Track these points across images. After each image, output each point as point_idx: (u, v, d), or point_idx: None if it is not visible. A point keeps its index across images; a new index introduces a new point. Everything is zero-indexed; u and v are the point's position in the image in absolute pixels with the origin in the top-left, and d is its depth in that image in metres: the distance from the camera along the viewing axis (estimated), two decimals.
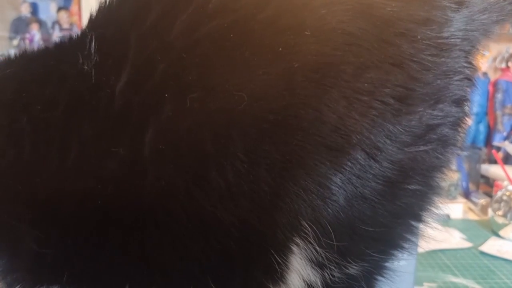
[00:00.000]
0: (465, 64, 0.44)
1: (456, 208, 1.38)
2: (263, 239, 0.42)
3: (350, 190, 0.41)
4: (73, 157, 0.44)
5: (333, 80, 0.40)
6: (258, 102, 0.40)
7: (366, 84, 0.40)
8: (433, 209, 0.50)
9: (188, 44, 0.42)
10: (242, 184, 0.40)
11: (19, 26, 1.84)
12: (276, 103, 0.40)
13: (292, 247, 0.43)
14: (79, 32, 0.50)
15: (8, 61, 0.52)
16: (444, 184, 1.37)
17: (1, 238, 0.48)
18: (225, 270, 0.44)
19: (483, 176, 1.79)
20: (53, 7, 1.90)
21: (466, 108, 0.47)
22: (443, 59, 0.43)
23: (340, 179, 0.41)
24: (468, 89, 0.46)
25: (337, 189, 0.41)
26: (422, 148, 0.43)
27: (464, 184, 1.61)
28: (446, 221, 1.30)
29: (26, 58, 0.52)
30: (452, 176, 1.51)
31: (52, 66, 0.48)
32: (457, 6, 0.43)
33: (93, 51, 0.44)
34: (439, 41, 0.42)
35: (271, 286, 0.45)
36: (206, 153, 0.41)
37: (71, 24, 1.79)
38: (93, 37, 0.45)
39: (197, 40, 0.41)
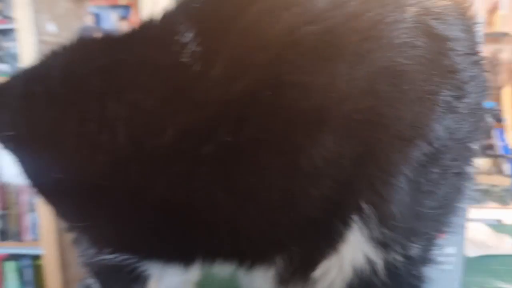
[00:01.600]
0: None
1: (508, 214, 1.36)
2: (332, 211, 0.51)
3: (414, 177, 0.49)
4: (168, 143, 0.50)
5: (410, 84, 0.48)
6: (345, 102, 0.48)
7: (433, 87, 0.49)
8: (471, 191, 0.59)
9: (286, 43, 0.48)
10: (329, 169, 0.49)
11: (84, 35, 1.98)
12: (362, 103, 0.48)
13: (351, 223, 0.50)
14: (162, 21, 0.55)
15: (86, 43, 0.58)
16: (496, 189, 1.37)
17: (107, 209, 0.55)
18: (301, 237, 0.52)
19: None
20: (114, 16, 2.04)
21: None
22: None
23: (406, 167, 0.49)
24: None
25: (403, 176, 0.49)
26: (461, 135, 0.52)
27: None
28: (497, 226, 1.28)
29: (106, 44, 0.58)
30: (505, 181, 1.48)
31: (144, 55, 0.53)
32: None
33: (191, 42, 0.50)
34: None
35: (326, 252, 0.53)
36: (298, 144, 0.49)
37: None
38: (191, 28, 0.51)
39: (294, 40, 0.48)
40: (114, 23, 2.01)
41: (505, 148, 1.64)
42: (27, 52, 1.91)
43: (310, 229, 0.52)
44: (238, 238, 0.54)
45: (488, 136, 1.72)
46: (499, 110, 1.85)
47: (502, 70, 2.11)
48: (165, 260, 0.59)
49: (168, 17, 0.55)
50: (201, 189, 0.51)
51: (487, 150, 1.73)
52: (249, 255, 0.56)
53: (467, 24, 0.53)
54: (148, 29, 0.56)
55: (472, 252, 1.07)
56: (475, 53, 0.53)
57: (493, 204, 1.41)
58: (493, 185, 1.43)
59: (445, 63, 0.49)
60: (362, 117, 0.48)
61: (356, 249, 0.52)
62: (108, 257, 0.56)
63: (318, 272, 0.54)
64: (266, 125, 0.49)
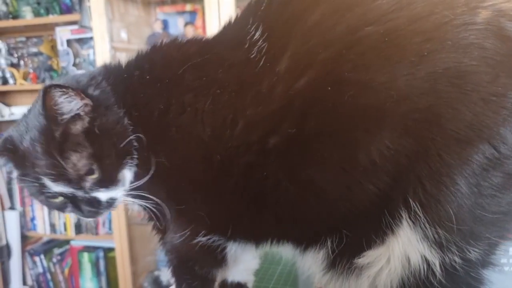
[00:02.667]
0: None
1: None
2: (384, 205, 0.52)
3: (473, 180, 0.49)
4: (239, 135, 0.56)
5: (473, 85, 0.48)
6: (405, 101, 0.49)
7: (499, 88, 0.48)
8: None
9: (347, 42, 0.51)
10: (385, 165, 0.51)
11: (153, 41, 2.10)
12: (421, 103, 0.49)
13: (400, 219, 0.52)
14: (236, 22, 0.62)
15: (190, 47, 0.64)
16: None
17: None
18: (353, 225, 0.55)
19: None
20: (180, 22, 2.13)
21: None
22: None
23: (464, 169, 0.49)
24: None
25: (461, 177, 0.49)
26: None
27: None
28: None
29: (197, 46, 0.64)
30: None
31: (222, 54, 0.59)
32: None
33: (259, 40, 0.56)
34: None
35: (374, 242, 0.55)
36: (358, 139, 0.51)
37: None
38: (259, 27, 0.56)
39: (356, 40, 0.51)
40: (181, 28, 2.11)
41: None
42: (102, 58, 2.05)
43: (361, 218, 0.54)
44: (297, 222, 0.58)
45: None
46: None
47: None
48: (244, 240, 0.64)
49: (241, 19, 0.60)
50: (269, 178, 0.55)
51: None
52: (304, 238, 0.60)
53: None
54: (226, 30, 0.62)
55: None
56: None
57: None
58: None
59: None
60: (420, 116, 0.49)
61: (407, 246, 0.52)
62: (202, 239, 0.62)
63: (364, 260, 0.56)
64: (327, 120, 0.52)
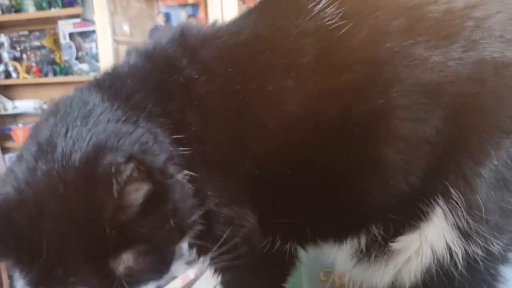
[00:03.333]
0: None
1: None
2: (422, 189, 0.51)
3: (503, 171, 0.49)
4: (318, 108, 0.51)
5: None
6: (454, 84, 0.49)
7: None
8: None
9: (414, 16, 0.50)
10: (433, 146, 0.50)
11: (156, 34, 2.10)
12: (468, 88, 0.49)
13: (435, 205, 0.51)
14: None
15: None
16: None
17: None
18: (391, 209, 0.53)
19: None
20: (183, 14, 2.12)
21: None
22: None
23: (497, 159, 0.49)
24: None
25: (493, 168, 0.49)
26: None
27: None
28: None
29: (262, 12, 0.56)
30: None
31: (282, 23, 0.54)
32: None
33: (329, 6, 0.52)
34: None
35: (409, 227, 0.54)
36: (418, 115, 0.50)
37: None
38: None
39: (421, 14, 0.50)
40: (184, 20, 2.10)
41: None
42: (105, 52, 2.05)
43: (399, 202, 0.53)
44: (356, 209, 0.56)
45: None
46: None
47: None
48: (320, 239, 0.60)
49: None
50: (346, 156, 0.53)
51: None
52: (351, 224, 0.57)
53: None
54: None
55: None
56: None
57: None
58: None
59: None
60: (466, 101, 0.49)
61: (439, 233, 0.52)
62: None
63: (398, 245, 0.55)
64: (401, 92, 0.50)
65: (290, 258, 0.59)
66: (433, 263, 0.53)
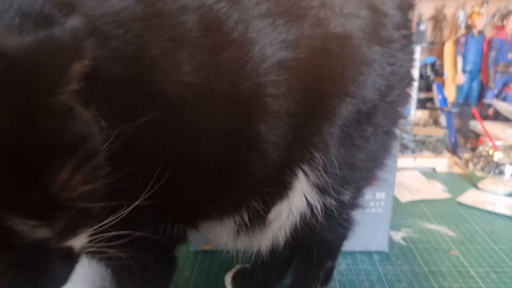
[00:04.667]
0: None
1: (441, 162, 1.48)
2: (286, 161, 0.56)
3: (349, 131, 0.57)
4: None
5: (355, 48, 0.55)
6: (306, 58, 0.54)
7: (373, 54, 0.56)
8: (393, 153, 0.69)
9: None
10: (288, 118, 0.54)
11: None
12: (318, 60, 0.54)
13: (299, 171, 0.57)
14: None
15: None
16: (431, 140, 1.49)
17: None
18: (260, 189, 0.58)
19: (473, 132, 1.87)
20: None
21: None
22: None
23: (344, 118, 0.56)
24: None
25: (341, 127, 0.56)
26: (391, 99, 0.60)
27: (452, 139, 1.70)
28: (430, 174, 1.40)
29: None
30: (439, 132, 1.60)
31: None
32: None
33: None
34: None
35: (279, 198, 0.59)
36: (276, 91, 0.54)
37: None
38: None
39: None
40: None
41: (443, 101, 1.76)
42: None
43: (272, 175, 0.57)
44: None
45: (429, 89, 1.82)
46: (440, 65, 1.95)
47: (445, 25, 2.19)
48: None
49: None
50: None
51: (427, 103, 1.84)
52: (235, 200, 0.60)
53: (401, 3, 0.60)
54: None
55: (404, 197, 1.17)
56: (406, 28, 0.61)
57: (428, 154, 1.53)
58: (429, 136, 1.55)
59: (383, 34, 0.57)
60: (317, 72, 0.54)
61: (300, 194, 0.59)
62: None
63: (272, 215, 0.61)
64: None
65: (178, 241, 0.60)
66: (298, 219, 0.61)
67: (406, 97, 0.64)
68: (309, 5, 0.54)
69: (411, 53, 0.62)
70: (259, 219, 0.61)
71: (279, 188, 0.59)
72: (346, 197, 0.61)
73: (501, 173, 1.23)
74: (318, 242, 0.64)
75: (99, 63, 0.46)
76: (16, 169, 0.32)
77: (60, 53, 0.33)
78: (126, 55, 0.48)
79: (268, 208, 0.60)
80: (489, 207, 1.12)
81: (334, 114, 0.56)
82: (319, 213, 0.60)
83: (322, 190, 0.58)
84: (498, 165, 1.24)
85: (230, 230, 0.63)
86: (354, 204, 0.66)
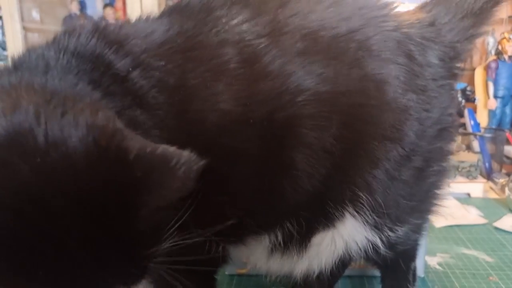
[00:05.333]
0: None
1: (476, 188, 1.45)
2: (327, 194, 0.58)
3: (393, 173, 0.59)
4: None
5: (393, 94, 0.57)
6: (344, 94, 0.56)
7: (408, 101, 0.58)
8: (447, 184, 0.69)
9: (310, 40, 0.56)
10: (329, 153, 0.56)
11: (70, 23, 2.00)
12: (355, 99, 0.56)
13: (344, 210, 0.59)
14: None
15: None
16: (465, 165, 1.46)
17: None
18: (303, 207, 0.60)
19: (507, 158, 1.83)
20: (99, 3, 2.05)
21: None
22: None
23: (386, 163, 0.58)
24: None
25: (386, 171, 0.58)
26: (438, 144, 0.62)
27: (486, 164, 1.67)
28: (465, 199, 1.38)
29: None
30: (472, 157, 1.58)
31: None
32: None
33: None
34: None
35: (326, 224, 0.61)
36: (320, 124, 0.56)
37: (117, 20, 1.93)
38: None
39: (316, 39, 0.56)
40: (100, 10, 2.03)
41: (475, 126, 1.74)
42: (13, 39, 1.93)
43: (308, 201, 0.59)
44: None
45: (460, 115, 1.81)
46: (472, 91, 1.94)
47: (475, 51, 2.19)
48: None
49: None
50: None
51: (459, 129, 1.82)
52: (270, 221, 0.62)
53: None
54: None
55: (439, 223, 1.16)
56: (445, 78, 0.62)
57: (462, 179, 1.51)
58: (462, 161, 1.53)
59: (418, 82, 0.58)
60: (356, 111, 0.56)
61: (352, 229, 0.61)
62: None
63: (314, 240, 0.63)
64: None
65: (222, 261, 0.64)
66: (345, 252, 0.63)
67: (450, 135, 0.64)
68: (347, 45, 0.56)
69: (449, 97, 0.62)
70: (293, 241, 0.62)
71: (318, 218, 0.60)
72: (401, 231, 0.64)
73: None
74: (400, 255, 0.70)
75: (145, 92, 0.51)
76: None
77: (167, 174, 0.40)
78: (168, 84, 0.52)
79: (302, 232, 0.61)
80: None
81: (375, 155, 0.57)
82: (380, 245, 0.63)
83: (375, 227, 0.61)
84: None
85: (264, 249, 0.64)
86: (415, 233, 0.69)
